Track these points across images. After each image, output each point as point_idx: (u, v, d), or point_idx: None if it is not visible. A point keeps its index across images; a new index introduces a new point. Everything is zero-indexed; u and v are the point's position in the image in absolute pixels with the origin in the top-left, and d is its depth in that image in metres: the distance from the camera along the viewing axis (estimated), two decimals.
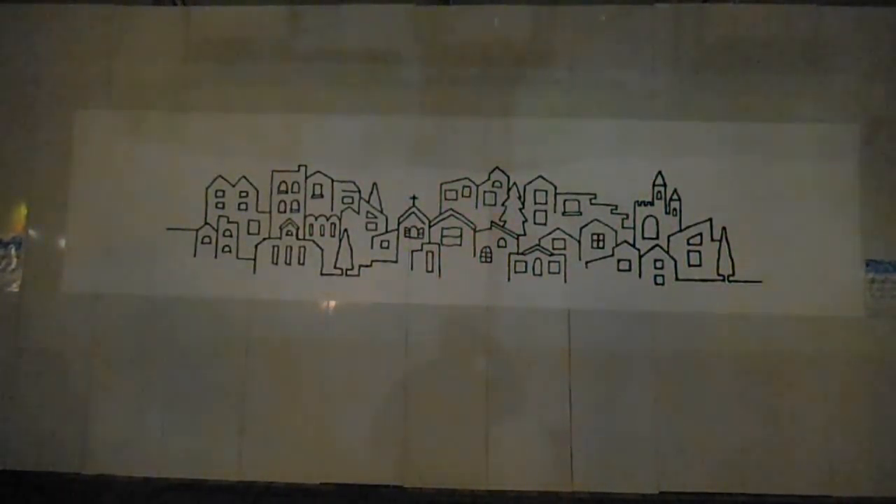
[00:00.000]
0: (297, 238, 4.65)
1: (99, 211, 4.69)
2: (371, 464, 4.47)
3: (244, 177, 4.70)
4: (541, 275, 4.53)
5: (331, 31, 4.78)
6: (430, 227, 4.61)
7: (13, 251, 4.70)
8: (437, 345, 4.54)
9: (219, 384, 4.55)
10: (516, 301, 4.51)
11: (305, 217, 4.66)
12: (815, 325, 4.41)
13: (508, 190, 4.61)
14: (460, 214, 4.61)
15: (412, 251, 4.60)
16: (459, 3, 4.77)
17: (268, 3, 4.80)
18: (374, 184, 4.66)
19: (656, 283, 4.49)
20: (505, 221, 4.59)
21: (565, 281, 4.51)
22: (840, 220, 4.48)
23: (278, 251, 4.64)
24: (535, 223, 4.57)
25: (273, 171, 4.70)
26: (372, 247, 4.62)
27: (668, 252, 4.51)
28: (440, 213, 4.62)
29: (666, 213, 4.54)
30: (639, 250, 4.53)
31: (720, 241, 4.50)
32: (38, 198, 4.75)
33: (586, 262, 4.52)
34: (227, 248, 4.66)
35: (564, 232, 4.56)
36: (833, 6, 4.61)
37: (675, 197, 4.55)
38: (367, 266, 4.60)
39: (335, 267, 4.61)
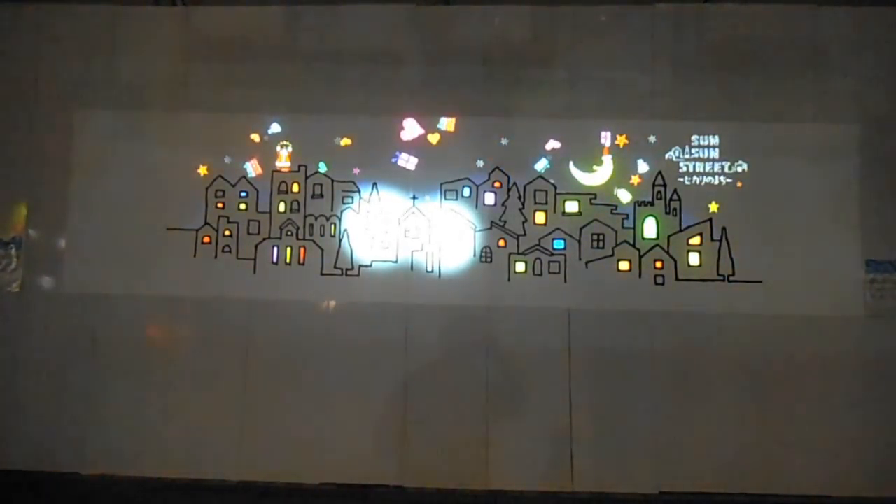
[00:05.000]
0: (297, 238, 4.65)
1: (99, 211, 4.69)
2: (371, 464, 4.47)
3: (244, 177, 4.70)
4: (541, 275, 4.53)
5: (331, 31, 4.77)
6: (430, 227, 4.62)
7: (13, 251, 4.70)
8: (437, 345, 4.54)
9: (219, 384, 4.55)
10: (516, 301, 4.51)
11: (305, 217, 4.66)
12: (815, 325, 4.41)
13: (508, 190, 4.61)
14: (460, 214, 4.62)
15: (412, 251, 4.60)
16: (459, 3, 4.78)
17: (268, 4, 4.80)
18: (374, 184, 4.66)
19: (656, 283, 4.49)
20: (505, 221, 4.59)
21: (565, 281, 4.51)
22: (840, 220, 4.48)
23: (278, 251, 4.64)
24: (535, 223, 4.58)
25: (273, 171, 4.70)
26: (372, 247, 4.62)
27: (668, 252, 4.52)
28: (440, 213, 4.62)
29: (666, 213, 4.55)
30: (639, 250, 4.53)
31: (720, 241, 4.50)
32: (38, 198, 4.75)
33: (586, 262, 4.52)
34: (227, 248, 4.65)
35: (564, 232, 4.56)
36: (833, 6, 4.60)
37: (675, 197, 4.55)
38: (367, 266, 4.61)
39: (335, 267, 4.61)
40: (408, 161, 4.63)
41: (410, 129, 4.65)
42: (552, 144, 4.60)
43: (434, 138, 4.64)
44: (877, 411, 4.35)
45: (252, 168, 4.67)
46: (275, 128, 4.70)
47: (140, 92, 4.77)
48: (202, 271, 4.62)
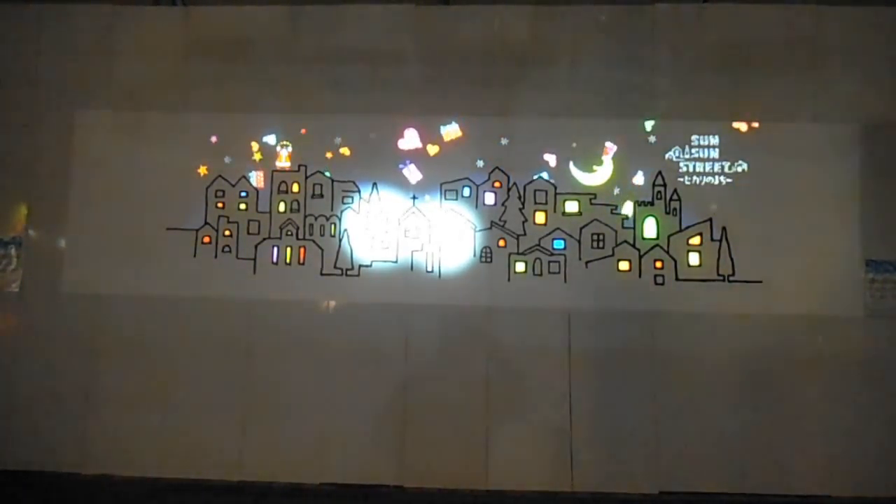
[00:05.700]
0: (297, 238, 4.65)
1: (99, 211, 4.69)
2: (371, 464, 4.47)
3: (244, 177, 4.70)
4: (541, 275, 4.52)
5: (331, 31, 4.77)
6: (430, 227, 4.62)
7: (13, 251, 4.70)
8: (437, 345, 4.54)
9: (219, 384, 4.55)
10: (516, 301, 4.51)
11: (305, 217, 4.66)
12: (815, 325, 4.41)
13: (508, 190, 4.61)
14: (460, 214, 4.62)
15: (412, 251, 4.60)
16: (459, 3, 4.77)
17: (268, 3, 4.80)
18: (374, 184, 4.66)
19: (656, 283, 4.49)
20: (505, 221, 4.59)
21: (565, 281, 4.51)
22: (840, 220, 4.48)
23: (278, 251, 4.64)
24: (535, 223, 4.58)
25: (273, 171, 4.70)
26: (372, 247, 4.62)
27: (668, 252, 4.51)
28: (440, 213, 4.62)
29: (666, 213, 4.54)
30: (639, 250, 4.53)
31: (720, 241, 4.50)
32: (38, 198, 4.75)
33: (586, 262, 4.52)
34: (227, 248, 4.65)
35: (564, 232, 4.56)
36: (833, 6, 4.60)
37: (675, 197, 4.55)
38: (367, 266, 4.61)
39: (335, 267, 4.61)
40: (412, 172, 4.63)
41: (411, 139, 4.65)
42: (552, 144, 4.60)
43: (433, 149, 4.64)
44: (876, 411, 4.35)
45: (256, 179, 4.68)
46: (276, 132, 4.70)
47: (140, 92, 4.77)
48: (202, 271, 4.62)
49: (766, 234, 4.47)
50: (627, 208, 4.55)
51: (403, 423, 4.47)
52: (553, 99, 4.65)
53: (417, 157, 4.65)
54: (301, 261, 4.62)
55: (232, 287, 4.60)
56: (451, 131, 4.64)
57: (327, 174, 4.66)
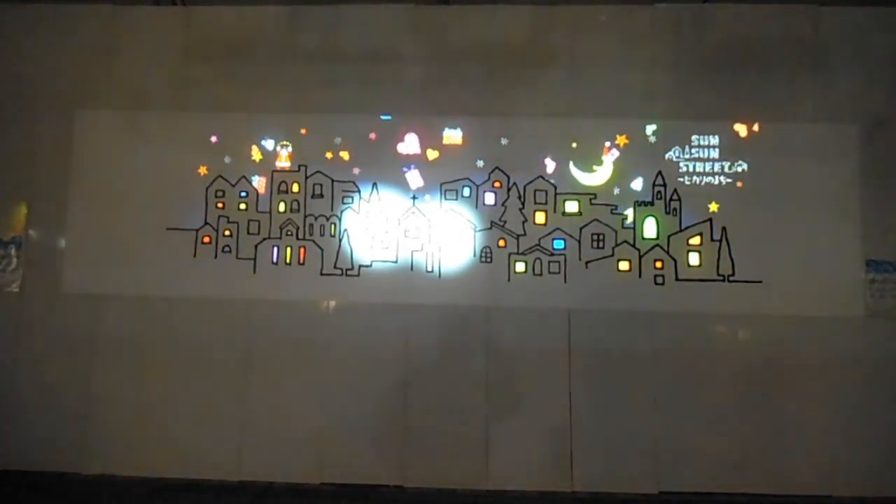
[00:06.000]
0: (297, 238, 4.65)
1: (99, 211, 4.69)
2: (371, 464, 4.47)
3: (244, 177, 4.70)
4: (541, 275, 4.53)
5: (331, 31, 4.78)
6: (430, 227, 4.62)
7: (13, 251, 4.70)
8: (437, 345, 4.54)
9: (219, 384, 4.55)
10: (516, 301, 4.51)
11: (305, 217, 4.66)
12: (815, 325, 4.41)
13: (508, 190, 4.61)
14: (460, 214, 4.62)
15: (412, 251, 4.60)
16: (459, 3, 4.78)
17: (268, 3, 4.80)
18: (374, 184, 4.66)
19: (656, 283, 4.49)
20: (505, 221, 4.60)
21: (565, 281, 4.51)
22: (840, 220, 4.48)
23: (278, 251, 4.64)
24: (535, 223, 4.58)
25: (273, 171, 4.70)
26: (372, 247, 4.62)
27: (668, 252, 4.52)
28: (440, 213, 4.62)
29: (666, 213, 4.55)
30: (639, 250, 4.53)
31: (720, 241, 4.50)
32: (38, 198, 4.75)
33: (586, 262, 4.52)
34: (227, 248, 4.65)
35: (564, 232, 4.56)
36: (833, 6, 4.61)
37: (675, 197, 4.55)
38: (367, 266, 4.61)
39: (335, 267, 4.61)
40: (414, 177, 4.62)
41: (411, 143, 4.65)
42: (552, 145, 4.60)
43: (433, 154, 4.64)
44: (877, 411, 4.35)
45: (257, 184, 4.68)
46: (276, 133, 4.70)
47: (140, 92, 4.77)
48: (202, 271, 4.62)
49: (766, 234, 4.47)
50: (627, 208, 4.55)
51: (403, 423, 4.47)
52: (553, 99, 4.65)
53: (417, 160, 4.65)
54: (301, 261, 4.62)
55: (232, 287, 4.60)
56: (452, 136, 4.64)
57: (329, 176, 4.66)
